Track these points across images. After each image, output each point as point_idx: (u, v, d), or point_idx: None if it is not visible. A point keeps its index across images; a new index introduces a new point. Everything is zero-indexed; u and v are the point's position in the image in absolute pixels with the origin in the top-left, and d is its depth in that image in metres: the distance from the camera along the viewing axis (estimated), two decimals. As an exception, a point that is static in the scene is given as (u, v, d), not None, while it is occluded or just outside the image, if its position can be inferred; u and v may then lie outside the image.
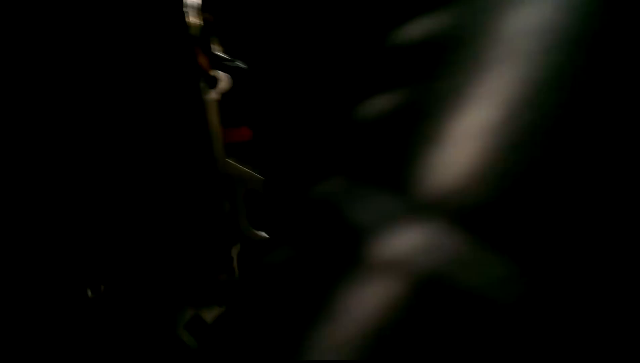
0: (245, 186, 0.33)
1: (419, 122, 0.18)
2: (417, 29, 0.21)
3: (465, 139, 0.17)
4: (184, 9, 0.32)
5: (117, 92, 0.32)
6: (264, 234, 0.35)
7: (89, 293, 0.33)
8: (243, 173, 0.33)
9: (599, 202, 0.16)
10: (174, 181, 0.33)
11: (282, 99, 0.34)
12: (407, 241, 0.17)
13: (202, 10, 0.33)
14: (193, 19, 0.33)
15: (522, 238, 0.16)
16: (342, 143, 0.22)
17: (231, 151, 0.34)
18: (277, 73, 0.35)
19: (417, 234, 0.17)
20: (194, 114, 0.32)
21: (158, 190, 0.33)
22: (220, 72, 0.33)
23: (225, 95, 0.33)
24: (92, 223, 0.32)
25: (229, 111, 0.34)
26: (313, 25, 0.34)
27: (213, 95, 0.33)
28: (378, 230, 0.18)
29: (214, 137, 0.32)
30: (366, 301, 0.17)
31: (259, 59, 0.35)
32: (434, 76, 0.19)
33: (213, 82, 0.33)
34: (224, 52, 0.34)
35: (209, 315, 0.34)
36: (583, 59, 0.17)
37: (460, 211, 0.16)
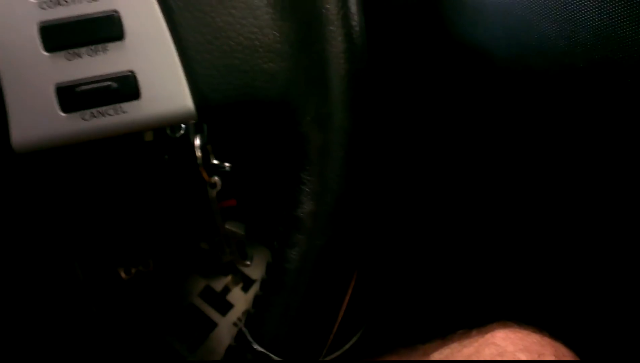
0: (234, 236, 0.59)
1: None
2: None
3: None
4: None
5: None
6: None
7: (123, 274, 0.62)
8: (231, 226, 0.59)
9: None
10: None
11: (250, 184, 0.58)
12: None
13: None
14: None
15: None
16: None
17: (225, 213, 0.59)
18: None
19: None
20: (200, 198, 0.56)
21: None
22: (216, 177, 0.55)
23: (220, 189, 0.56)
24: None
25: (223, 190, 0.57)
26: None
27: (213, 192, 0.55)
28: None
29: (214, 209, 0.57)
30: None
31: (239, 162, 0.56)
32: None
33: (212, 185, 0.55)
34: (216, 159, 0.55)
35: (218, 285, 0.64)
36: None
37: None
